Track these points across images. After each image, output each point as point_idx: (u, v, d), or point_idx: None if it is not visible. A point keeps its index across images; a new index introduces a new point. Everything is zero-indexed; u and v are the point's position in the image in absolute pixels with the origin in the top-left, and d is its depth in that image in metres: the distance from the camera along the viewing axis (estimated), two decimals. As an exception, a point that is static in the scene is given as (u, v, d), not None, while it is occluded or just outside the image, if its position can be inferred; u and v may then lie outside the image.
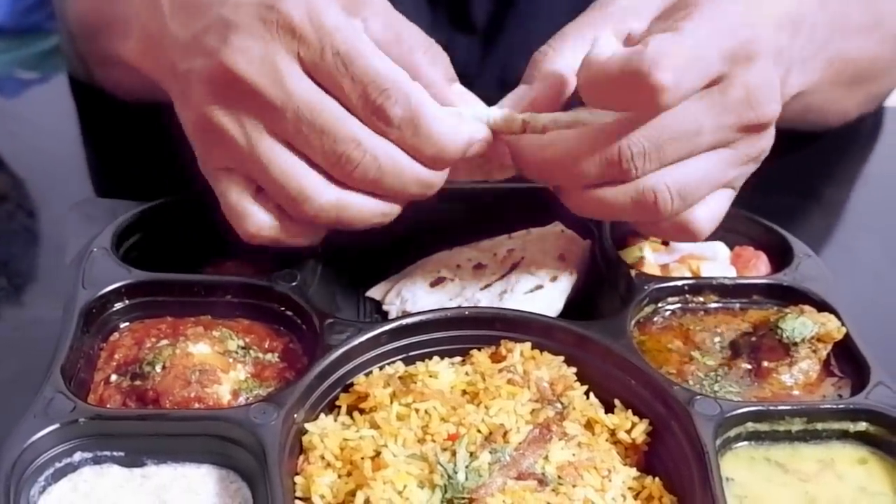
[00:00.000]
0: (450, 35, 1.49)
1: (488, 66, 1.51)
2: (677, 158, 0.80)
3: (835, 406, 0.83)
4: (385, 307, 0.98)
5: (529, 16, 1.46)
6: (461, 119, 0.83)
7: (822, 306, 0.90)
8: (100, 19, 1.12)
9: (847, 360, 0.88)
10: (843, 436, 0.82)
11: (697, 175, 0.82)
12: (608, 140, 0.79)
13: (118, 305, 0.88)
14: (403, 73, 0.80)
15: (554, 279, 0.96)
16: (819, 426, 0.82)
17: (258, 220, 0.84)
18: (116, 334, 0.87)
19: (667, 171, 0.81)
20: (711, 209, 0.86)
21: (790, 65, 0.92)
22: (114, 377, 0.82)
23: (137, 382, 0.80)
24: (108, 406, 0.80)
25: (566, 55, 0.87)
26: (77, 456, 0.75)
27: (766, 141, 0.85)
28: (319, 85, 0.79)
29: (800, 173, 1.19)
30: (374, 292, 1.00)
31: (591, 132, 0.80)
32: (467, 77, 1.52)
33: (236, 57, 0.79)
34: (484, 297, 0.94)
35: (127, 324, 0.88)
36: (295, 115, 0.78)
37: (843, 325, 0.87)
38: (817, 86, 1.02)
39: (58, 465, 0.74)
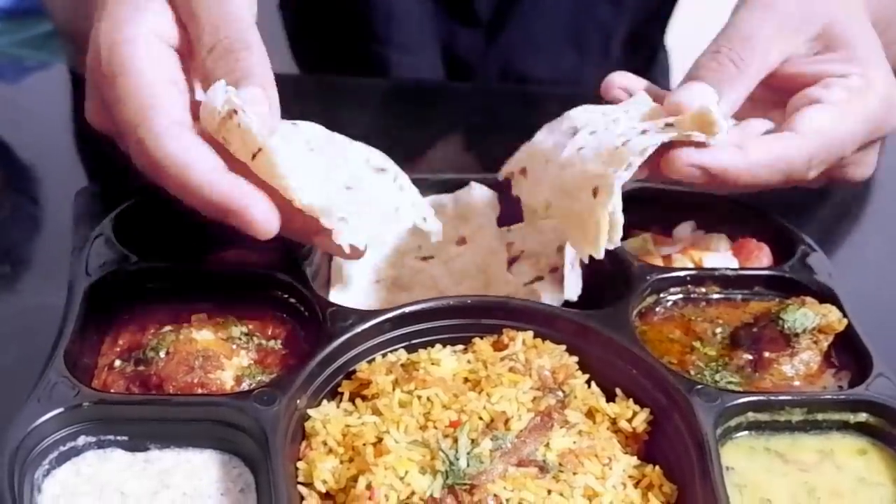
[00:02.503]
0: (453, 27, 1.49)
1: (490, 59, 1.52)
2: None
3: (835, 397, 0.83)
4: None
5: (533, 10, 1.47)
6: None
7: (823, 298, 0.90)
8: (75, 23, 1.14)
9: (848, 351, 0.88)
10: (844, 426, 0.83)
11: None
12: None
13: (121, 292, 0.88)
14: (149, 114, 0.77)
15: (553, 270, 0.97)
16: (819, 417, 0.82)
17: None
18: (120, 321, 0.87)
19: None
20: None
21: None
22: (117, 363, 0.83)
23: (141, 368, 0.81)
24: (112, 391, 0.80)
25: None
26: (81, 440, 0.75)
27: None
28: None
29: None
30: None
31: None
32: (470, 69, 1.53)
33: None
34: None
35: (130, 310, 0.88)
36: None
37: (844, 316, 0.88)
38: None
39: (62, 448, 0.75)
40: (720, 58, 0.87)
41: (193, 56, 0.82)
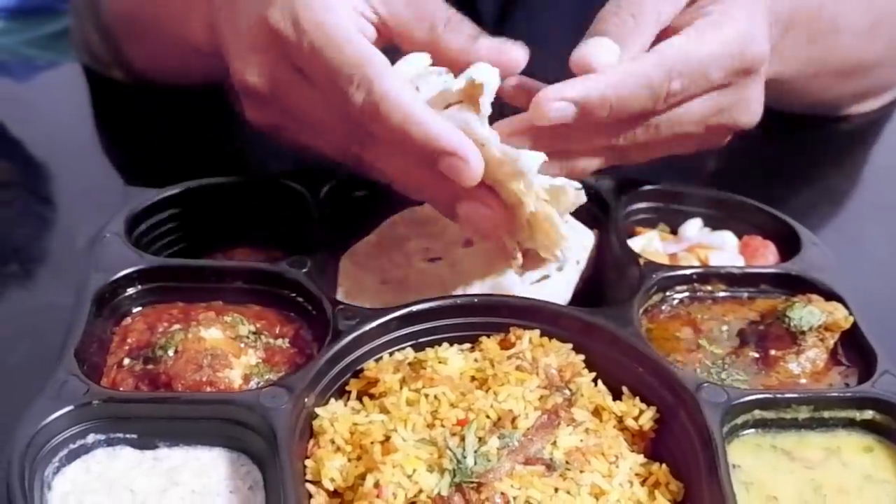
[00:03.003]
0: None
1: None
2: None
3: (841, 394, 0.84)
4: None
5: (536, 8, 1.47)
6: (428, 109, 0.82)
7: (829, 295, 0.90)
8: (151, 13, 1.16)
9: (854, 349, 0.88)
10: (850, 424, 0.83)
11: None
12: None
13: (130, 290, 0.88)
14: (372, 59, 0.82)
15: (560, 269, 0.97)
16: (825, 414, 0.82)
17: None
18: (129, 319, 0.88)
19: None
20: None
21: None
22: (126, 361, 0.83)
23: (150, 366, 0.81)
24: (121, 389, 0.80)
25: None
26: (90, 438, 0.76)
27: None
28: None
29: (808, 163, 1.19)
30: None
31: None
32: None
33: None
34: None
35: (139, 308, 0.88)
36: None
37: (850, 314, 0.88)
38: (795, 76, 1.10)
39: (71, 446, 0.75)
40: (621, 13, 0.89)
41: (409, 31, 0.88)
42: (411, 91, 0.82)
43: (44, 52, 1.65)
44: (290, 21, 0.84)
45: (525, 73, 1.51)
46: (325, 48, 0.82)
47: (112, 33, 1.27)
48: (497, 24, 1.49)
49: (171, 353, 0.81)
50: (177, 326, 0.85)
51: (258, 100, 0.90)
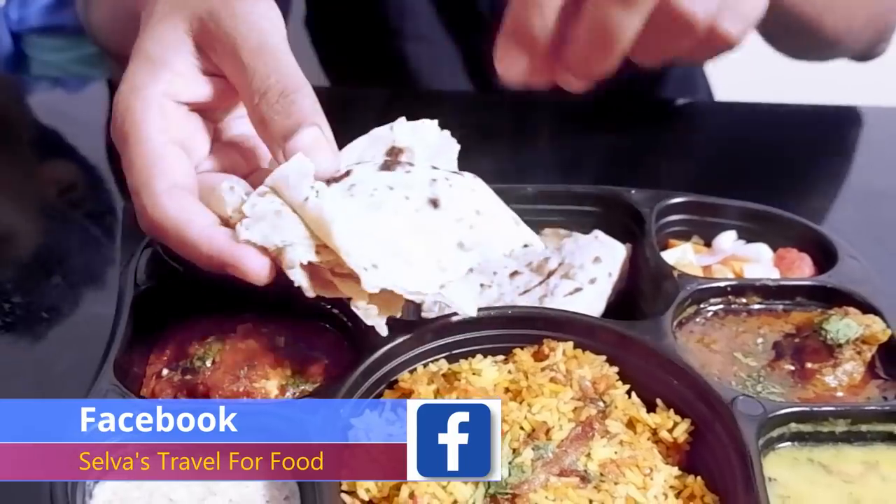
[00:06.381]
0: (460, 20, 1.52)
1: None
2: None
3: (879, 408, 0.83)
4: (424, 313, 0.98)
5: None
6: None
7: (866, 308, 0.90)
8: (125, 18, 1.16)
9: (892, 362, 0.87)
10: (888, 438, 0.82)
11: None
12: None
13: (169, 301, 0.90)
14: (154, 175, 0.79)
15: (592, 281, 0.97)
16: (863, 428, 0.82)
17: None
18: (167, 330, 0.89)
19: None
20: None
21: None
22: (165, 371, 0.85)
23: (188, 377, 0.83)
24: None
25: None
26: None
27: None
28: None
29: (844, 174, 1.18)
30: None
31: None
32: (487, 60, 1.54)
33: None
34: (522, 302, 0.95)
35: (177, 319, 0.90)
36: None
37: (888, 327, 0.87)
38: None
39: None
40: None
41: (241, 99, 0.83)
42: (186, 209, 0.78)
43: (95, 69, 1.69)
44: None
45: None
46: (125, 168, 0.81)
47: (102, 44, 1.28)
48: (498, 23, 1.50)
49: (208, 363, 0.82)
50: (213, 337, 0.86)
51: None
